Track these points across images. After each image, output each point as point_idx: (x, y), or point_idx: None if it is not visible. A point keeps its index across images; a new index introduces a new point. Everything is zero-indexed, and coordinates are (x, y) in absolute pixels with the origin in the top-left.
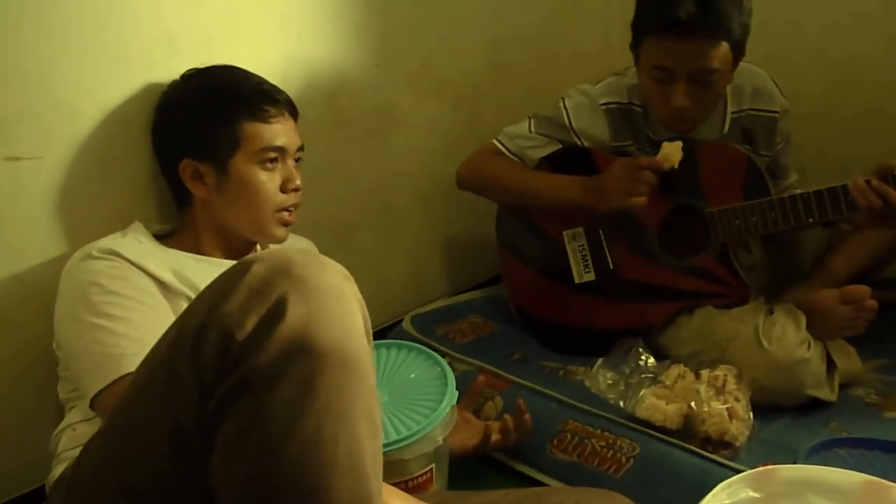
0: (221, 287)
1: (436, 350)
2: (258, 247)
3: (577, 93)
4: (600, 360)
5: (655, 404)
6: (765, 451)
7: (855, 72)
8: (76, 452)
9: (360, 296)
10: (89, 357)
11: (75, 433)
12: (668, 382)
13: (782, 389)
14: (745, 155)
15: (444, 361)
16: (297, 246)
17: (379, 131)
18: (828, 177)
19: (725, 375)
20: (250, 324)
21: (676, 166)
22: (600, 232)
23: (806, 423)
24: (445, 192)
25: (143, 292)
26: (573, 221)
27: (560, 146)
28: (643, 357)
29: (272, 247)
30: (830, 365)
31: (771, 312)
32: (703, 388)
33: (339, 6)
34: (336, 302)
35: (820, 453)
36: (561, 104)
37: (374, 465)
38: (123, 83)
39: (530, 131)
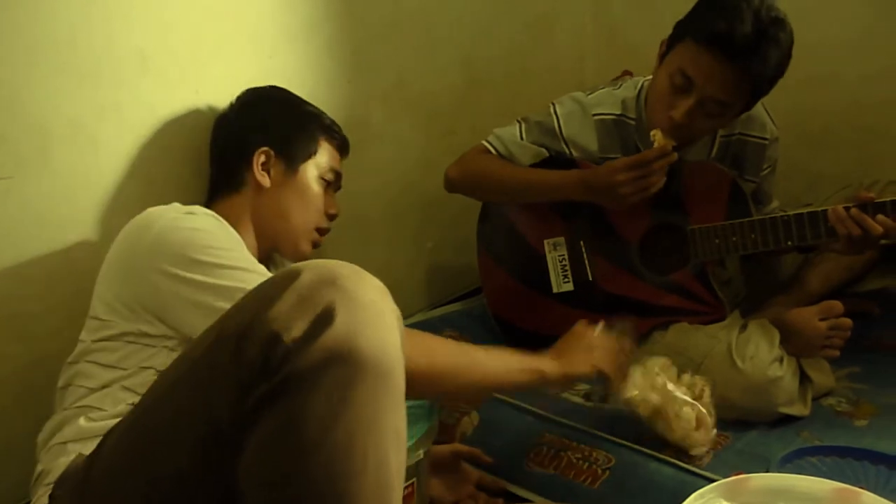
0: (269, 291)
1: None
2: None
3: (569, 100)
4: None
5: (640, 384)
6: (738, 461)
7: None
8: (80, 446)
9: (398, 311)
10: (225, 298)
11: (93, 423)
12: (656, 370)
13: (755, 408)
14: (730, 176)
15: None
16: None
17: (353, 147)
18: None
19: (703, 387)
20: (297, 329)
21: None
22: (581, 243)
23: (778, 434)
24: (421, 206)
25: (239, 246)
26: (554, 231)
27: (547, 154)
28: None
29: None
30: (804, 378)
31: (745, 328)
32: (679, 392)
33: (312, 23)
34: (378, 316)
35: (793, 462)
36: (552, 110)
37: (398, 479)
38: (94, 102)
39: (521, 136)
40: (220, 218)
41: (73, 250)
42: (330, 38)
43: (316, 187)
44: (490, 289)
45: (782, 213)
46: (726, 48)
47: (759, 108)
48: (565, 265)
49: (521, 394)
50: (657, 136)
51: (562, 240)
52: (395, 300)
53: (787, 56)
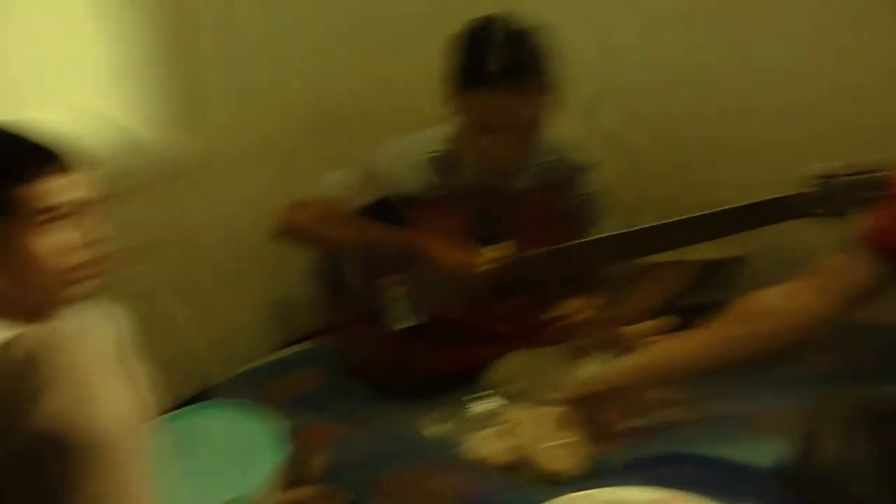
0: None
1: (263, 407)
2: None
3: (396, 144)
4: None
5: (486, 441)
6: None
7: None
8: None
9: (136, 372)
10: None
11: None
12: (507, 422)
13: None
14: (555, 202)
15: (271, 417)
16: (68, 324)
17: (192, 189)
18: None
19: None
20: (6, 412)
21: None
22: (419, 278)
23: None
24: (264, 248)
25: None
26: (392, 268)
27: (379, 195)
28: (483, 399)
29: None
30: None
31: (583, 350)
32: (543, 425)
33: (153, 62)
34: (96, 387)
35: (625, 472)
36: (380, 154)
37: None
38: None
39: (350, 181)
40: None
41: None
42: (167, 76)
43: (34, 240)
44: (336, 324)
45: (605, 234)
46: (491, 81)
47: (572, 136)
48: (405, 301)
49: (376, 429)
50: (496, 249)
51: (400, 277)
52: (238, 345)
53: (551, 51)
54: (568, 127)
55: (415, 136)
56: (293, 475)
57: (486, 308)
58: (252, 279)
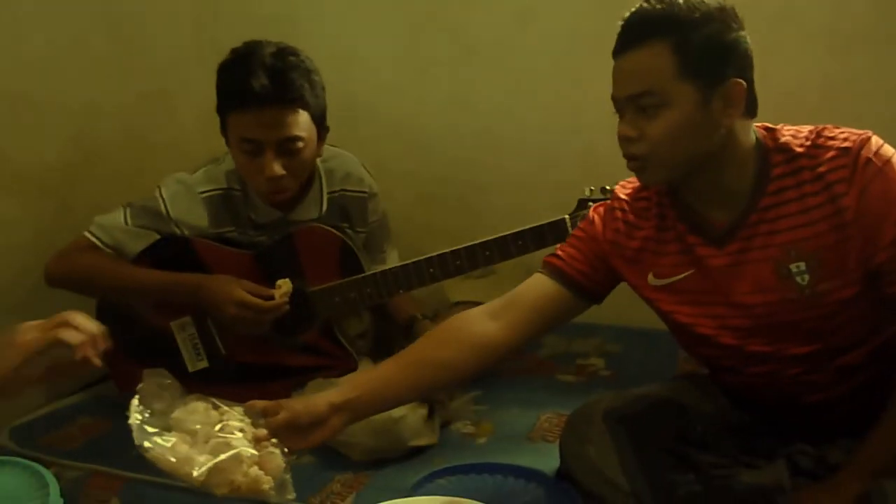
0: None
1: (41, 461)
2: None
3: (173, 182)
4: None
5: (180, 450)
6: (379, 497)
7: None
8: None
9: None
10: None
11: None
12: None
13: (387, 447)
14: (338, 236)
15: (47, 471)
16: None
17: None
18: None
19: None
20: None
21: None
22: (209, 319)
23: (412, 465)
24: (37, 291)
25: None
26: (180, 311)
27: (158, 236)
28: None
29: None
30: (433, 408)
31: None
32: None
33: None
34: None
35: (424, 486)
36: (157, 193)
37: None
38: None
39: (126, 222)
40: None
41: None
42: None
43: None
44: (121, 375)
45: (391, 267)
46: (257, 99)
47: (355, 165)
48: (196, 343)
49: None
50: (283, 285)
51: (189, 319)
52: None
53: (311, 72)
54: (350, 157)
55: (191, 174)
56: None
57: (275, 344)
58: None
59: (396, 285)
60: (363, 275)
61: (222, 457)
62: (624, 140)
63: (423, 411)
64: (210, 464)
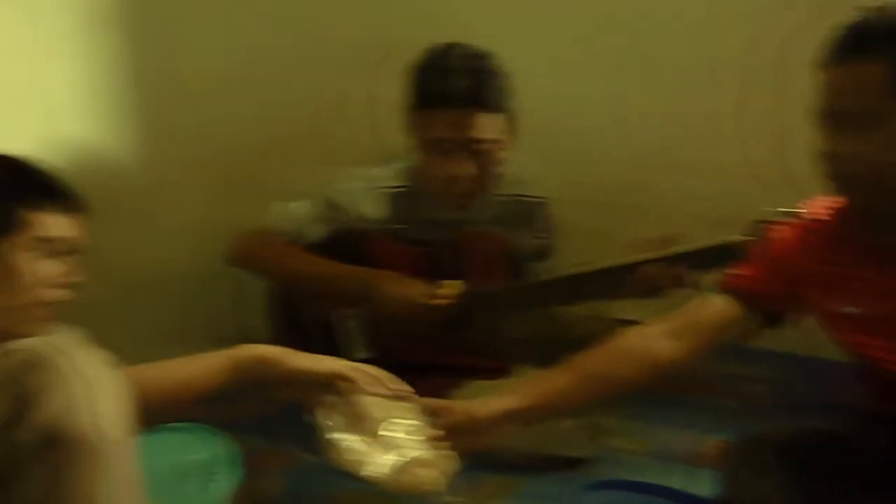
0: None
1: (214, 431)
2: None
3: (353, 176)
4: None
5: (357, 449)
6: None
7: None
8: None
9: (121, 382)
10: None
11: None
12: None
13: (539, 454)
14: (507, 241)
15: (228, 441)
16: (57, 337)
17: (147, 213)
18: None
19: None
20: (4, 413)
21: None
22: (374, 312)
23: (565, 475)
24: (216, 272)
25: None
26: (347, 302)
27: (334, 227)
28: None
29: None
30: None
31: None
32: (404, 436)
33: (104, 85)
34: (90, 391)
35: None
36: (337, 186)
37: None
38: None
39: (306, 212)
40: None
41: None
42: (122, 99)
43: (23, 263)
44: None
45: (565, 273)
46: (451, 100)
47: (532, 169)
48: (359, 334)
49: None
50: (452, 285)
51: (355, 310)
52: None
53: (505, 76)
54: (526, 163)
55: (373, 169)
56: (246, 498)
57: (437, 344)
58: (206, 300)
59: (563, 294)
60: (530, 281)
61: (401, 457)
62: (833, 157)
63: (581, 421)
64: (390, 464)
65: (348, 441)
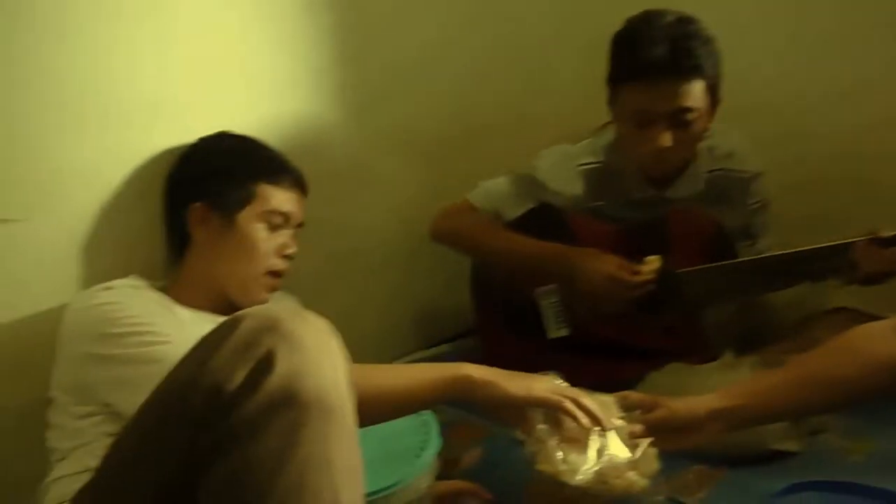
0: (211, 342)
1: None
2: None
3: (554, 153)
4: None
5: (558, 455)
6: (731, 495)
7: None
8: None
9: (344, 349)
10: (138, 363)
11: (63, 487)
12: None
13: (747, 444)
14: (714, 219)
15: (424, 412)
16: (283, 303)
17: (354, 189)
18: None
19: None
20: (239, 377)
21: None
22: (573, 290)
23: (771, 469)
24: (418, 248)
25: (156, 310)
26: (546, 279)
27: (533, 205)
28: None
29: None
30: None
31: (737, 368)
32: (613, 439)
33: (319, 70)
34: (320, 355)
35: (786, 497)
36: (537, 163)
37: None
38: (105, 147)
39: (506, 189)
40: (140, 285)
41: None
42: (335, 81)
43: (259, 234)
44: (484, 330)
45: (768, 254)
46: (655, 70)
47: (740, 143)
48: (559, 312)
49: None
50: (653, 262)
51: (554, 287)
52: (392, 340)
53: (709, 41)
54: (733, 134)
55: (572, 146)
56: (443, 469)
57: (636, 323)
58: (404, 277)
59: (771, 277)
60: (735, 261)
61: (608, 463)
62: None
63: None
64: (592, 471)
65: (556, 449)
